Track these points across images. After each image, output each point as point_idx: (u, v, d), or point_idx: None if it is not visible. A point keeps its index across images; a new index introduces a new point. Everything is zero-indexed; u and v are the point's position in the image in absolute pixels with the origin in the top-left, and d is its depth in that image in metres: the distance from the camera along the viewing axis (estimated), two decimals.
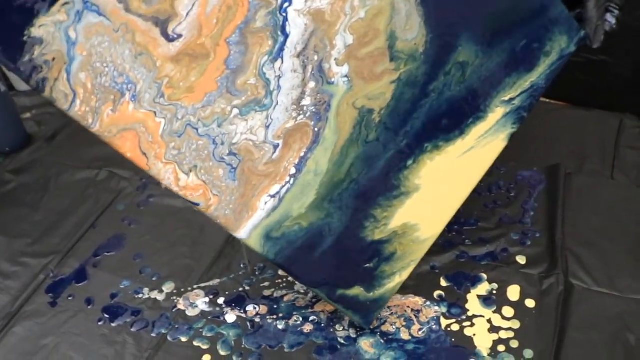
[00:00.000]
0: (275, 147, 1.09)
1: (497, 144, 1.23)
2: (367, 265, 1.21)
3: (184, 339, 1.30)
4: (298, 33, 1.06)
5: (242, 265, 1.43)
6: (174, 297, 1.38)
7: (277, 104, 1.07)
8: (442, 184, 1.21)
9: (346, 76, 1.10)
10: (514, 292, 1.33)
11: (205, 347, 1.28)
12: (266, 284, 1.39)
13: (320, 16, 1.07)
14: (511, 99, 1.20)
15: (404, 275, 1.25)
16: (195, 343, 1.29)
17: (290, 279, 1.39)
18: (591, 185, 1.56)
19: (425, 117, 1.16)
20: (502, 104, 1.20)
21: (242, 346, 1.28)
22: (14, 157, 1.78)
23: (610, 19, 1.24)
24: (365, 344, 1.27)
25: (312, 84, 1.09)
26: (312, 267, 1.17)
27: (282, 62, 1.06)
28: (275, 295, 1.36)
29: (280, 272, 1.41)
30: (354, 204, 1.16)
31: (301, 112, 1.09)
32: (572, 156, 1.63)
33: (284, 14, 1.05)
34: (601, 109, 1.77)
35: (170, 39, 1.01)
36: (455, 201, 1.25)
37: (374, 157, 1.15)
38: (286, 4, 1.05)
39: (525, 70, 1.19)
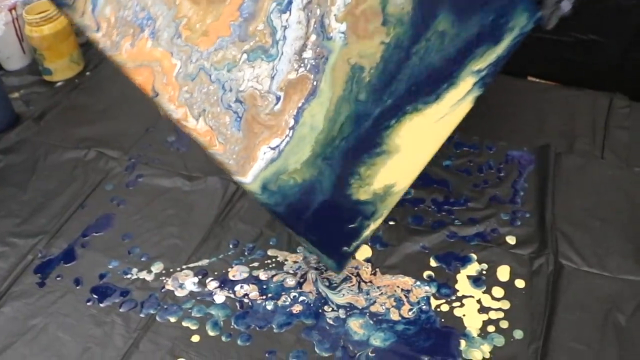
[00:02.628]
0: (278, 98, 1.14)
1: (465, 106, 1.26)
2: (352, 225, 1.25)
3: (172, 320, 1.29)
4: None
5: (230, 246, 1.42)
6: (163, 278, 1.37)
7: (282, 54, 1.12)
8: (418, 142, 1.25)
9: (343, 32, 1.14)
10: (503, 273, 1.33)
11: (194, 327, 1.28)
12: (255, 264, 1.38)
13: None
14: (479, 70, 1.24)
15: (378, 222, 1.28)
16: (184, 323, 1.29)
17: (279, 259, 1.39)
18: (581, 165, 1.56)
19: (407, 80, 1.20)
20: (472, 74, 1.24)
21: (231, 326, 1.28)
22: (1, 136, 1.77)
23: (565, 5, 1.27)
24: (355, 324, 1.26)
25: (313, 37, 1.13)
26: (304, 223, 1.22)
27: (290, 14, 1.12)
28: (263, 276, 1.36)
29: (270, 253, 1.40)
30: (342, 161, 1.20)
31: (302, 64, 1.14)
32: (562, 136, 1.63)
33: None
34: (591, 89, 1.76)
35: None
36: (425, 157, 1.28)
37: (362, 116, 1.19)
38: None
39: (493, 43, 1.23)
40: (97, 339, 1.26)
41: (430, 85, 1.22)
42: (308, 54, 1.13)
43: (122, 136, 1.73)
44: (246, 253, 1.41)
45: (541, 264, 1.34)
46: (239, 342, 1.25)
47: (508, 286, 1.31)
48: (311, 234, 1.24)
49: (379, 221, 1.28)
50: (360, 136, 1.20)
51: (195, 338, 1.26)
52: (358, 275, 1.35)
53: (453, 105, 1.25)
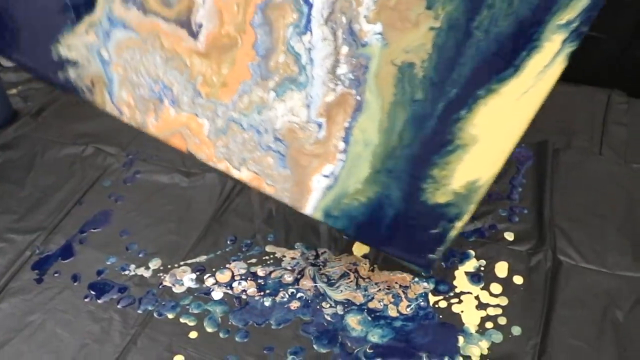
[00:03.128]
0: (320, 125, 1.07)
1: (556, 69, 1.04)
2: (434, 230, 1.14)
3: (170, 316, 1.29)
4: None
5: (228, 242, 1.42)
6: (161, 274, 1.37)
7: (313, 78, 1.04)
8: (499, 127, 1.08)
9: (379, 33, 1.02)
10: (501, 269, 1.33)
11: (191, 323, 1.28)
12: (253, 260, 1.38)
13: None
14: (569, 21, 1.01)
15: (464, 221, 1.14)
16: (181, 320, 1.29)
17: (277, 255, 1.39)
18: (579, 161, 1.56)
19: (473, 60, 1.02)
20: (559, 29, 1.01)
21: (229, 323, 1.28)
22: None
23: None
24: (352, 320, 1.26)
25: (345, 49, 1.03)
26: (379, 238, 1.15)
27: (311, 34, 1.03)
28: (261, 272, 1.36)
29: (267, 249, 1.40)
30: (409, 169, 1.09)
31: (339, 82, 1.05)
32: (560, 132, 1.63)
33: None
34: (589, 85, 1.76)
35: (195, 34, 1.02)
36: (511, 141, 1.10)
37: (423, 117, 1.06)
38: None
39: None
40: (94, 335, 1.26)
41: (503, 59, 1.03)
42: (343, 69, 1.04)
43: (120, 132, 1.73)
44: (244, 249, 1.41)
45: (539, 260, 1.34)
46: (237, 338, 1.25)
47: (506, 282, 1.31)
48: (389, 248, 1.19)
49: (465, 219, 1.14)
50: (425, 138, 1.07)
51: (193, 334, 1.26)
52: (356, 271, 1.35)
53: (539, 74, 1.03)
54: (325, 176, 1.09)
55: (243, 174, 1.08)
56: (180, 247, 1.41)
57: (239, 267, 1.37)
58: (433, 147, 1.08)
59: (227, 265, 1.37)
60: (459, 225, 1.14)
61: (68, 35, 1.04)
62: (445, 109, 1.05)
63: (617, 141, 1.61)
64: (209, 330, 1.26)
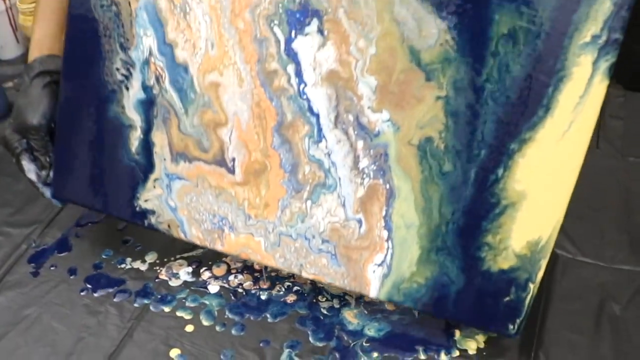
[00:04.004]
0: (359, 221, 1.12)
1: (597, 91, 0.97)
2: (507, 298, 1.11)
3: (166, 309, 1.29)
4: (325, 105, 1.08)
5: None
6: (157, 267, 1.37)
7: (340, 179, 1.10)
8: (547, 176, 1.03)
9: (388, 120, 1.05)
10: None
11: (188, 317, 1.27)
12: None
13: (336, 77, 1.06)
14: (595, 36, 0.93)
15: (538, 279, 1.10)
16: (178, 313, 1.28)
17: None
18: None
19: (493, 115, 1.00)
20: (585, 49, 0.94)
21: (225, 316, 1.27)
22: None
23: None
24: (349, 314, 1.26)
25: (360, 144, 1.08)
26: (451, 314, 1.16)
27: (326, 140, 1.10)
28: (257, 265, 1.36)
29: None
30: (460, 242, 1.09)
31: (364, 175, 1.10)
32: None
33: (305, 96, 1.09)
34: None
35: (232, 170, 1.16)
36: (567, 188, 1.05)
37: (458, 187, 1.05)
38: (302, 86, 1.08)
39: None
40: (91, 329, 1.26)
41: (529, 102, 0.98)
42: (364, 162, 1.09)
43: None
44: None
45: None
46: (233, 331, 1.24)
47: None
48: (462, 321, 1.21)
49: (537, 282, 1.10)
50: (467, 208, 1.06)
51: (190, 328, 1.25)
52: None
53: (577, 105, 0.97)
54: (379, 265, 1.13)
55: (305, 275, 1.19)
56: (177, 241, 1.40)
57: (235, 261, 1.37)
58: (479, 214, 1.07)
59: (223, 259, 1.37)
60: (532, 291, 1.10)
61: (142, 191, 1.23)
62: (478, 174, 1.04)
63: (613, 135, 1.61)
64: (205, 323, 1.26)
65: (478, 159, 1.03)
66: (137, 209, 1.24)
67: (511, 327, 1.13)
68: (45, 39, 1.32)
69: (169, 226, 1.24)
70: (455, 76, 1.00)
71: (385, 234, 1.12)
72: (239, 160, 1.15)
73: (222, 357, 1.21)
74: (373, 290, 1.16)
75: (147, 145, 1.20)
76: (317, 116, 1.09)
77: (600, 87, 0.96)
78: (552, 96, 0.97)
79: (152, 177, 1.21)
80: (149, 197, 1.23)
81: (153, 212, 1.24)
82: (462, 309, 1.14)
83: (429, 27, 0.99)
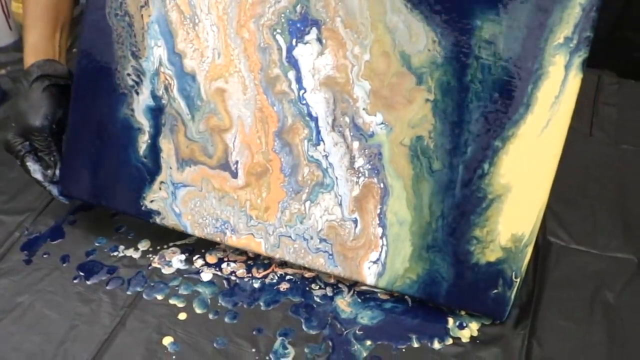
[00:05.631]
0: (355, 221, 1.18)
1: (572, 85, 1.06)
2: (495, 291, 1.18)
3: (159, 297, 1.29)
4: (322, 109, 1.15)
5: None
6: (150, 255, 1.37)
7: (337, 178, 1.16)
8: (529, 170, 1.11)
9: (382, 123, 1.13)
10: None
11: (181, 305, 1.27)
12: None
13: (333, 82, 1.13)
14: (567, 38, 1.03)
15: (523, 270, 1.18)
16: (171, 301, 1.28)
17: None
18: (569, 142, 1.53)
19: (478, 115, 1.08)
20: (558, 49, 1.04)
21: (218, 304, 1.27)
22: None
23: None
24: (342, 302, 1.26)
25: (356, 144, 1.15)
26: (442, 304, 1.23)
27: (324, 143, 1.16)
28: (250, 253, 1.36)
29: None
30: (450, 239, 1.16)
31: (360, 174, 1.16)
32: None
33: (304, 101, 1.15)
34: None
35: (235, 174, 1.20)
36: (545, 181, 1.12)
37: (447, 184, 1.13)
38: (302, 91, 1.15)
39: None
40: (83, 317, 1.26)
41: (510, 101, 1.07)
42: (359, 162, 1.15)
43: None
44: None
45: None
46: (226, 319, 1.24)
47: None
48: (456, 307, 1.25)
49: (522, 274, 1.18)
50: (456, 204, 1.14)
51: (182, 316, 1.25)
52: None
53: (555, 100, 1.06)
54: (374, 262, 1.18)
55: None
56: (170, 228, 1.41)
57: (228, 249, 1.36)
58: (467, 209, 1.14)
59: (217, 246, 1.37)
60: (519, 281, 1.18)
61: (149, 192, 1.26)
62: (466, 170, 1.12)
63: (607, 122, 1.62)
64: (198, 311, 1.26)
65: (465, 155, 1.11)
66: (143, 208, 1.27)
67: (499, 315, 1.22)
68: (39, 43, 1.35)
69: (172, 229, 1.29)
70: (442, 78, 1.08)
71: (379, 231, 1.16)
72: (242, 163, 1.19)
73: (215, 345, 1.21)
74: (370, 283, 1.21)
75: (154, 149, 1.24)
76: (316, 120, 1.15)
77: (575, 81, 1.06)
78: (531, 94, 1.06)
79: (159, 179, 1.25)
80: (155, 198, 1.26)
81: (158, 213, 1.27)
82: (453, 302, 1.21)
83: (418, 33, 1.08)
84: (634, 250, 1.33)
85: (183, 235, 1.37)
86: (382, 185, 1.15)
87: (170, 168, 1.24)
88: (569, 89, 1.06)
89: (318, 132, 1.15)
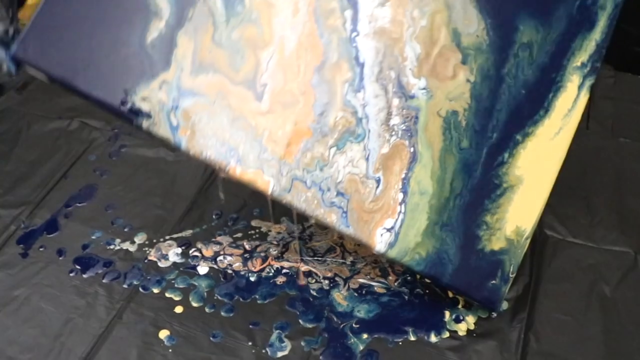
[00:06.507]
0: (378, 180, 1.13)
1: (581, 102, 1.22)
2: (493, 282, 1.20)
3: (156, 290, 1.29)
4: (371, 57, 1.11)
5: (214, 216, 1.42)
6: (146, 248, 1.37)
7: (369, 131, 1.11)
8: (539, 168, 1.21)
9: (424, 88, 1.13)
10: None
11: (177, 298, 1.27)
12: (239, 234, 1.38)
13: (387, 34, 1.11)
14: (583, 63, 1.20)
15: (516, 267, 1.22)
16: (167, 294, 1.28)
17: (263, 229, 1.39)
18: None
19: (507, 106, 1.17)
20: (576, 70, 1.20)
21: (215, 297, 1.27)
22: None
23: None
24: (338, 296, 1.26)
25: (395, 101, 1.12)
26: (444, 285, 1.23)
27: (364, 91, 1.11)
28: (247, 246, 1.36)
29: (253, 223, 1.40)
30: (463, 219, 1.18)
31: (393, 133, 1.13)
32: None
33: (355, 45, 1.10)
34: None
35: (260, 97, 1.08)
36: (549, 182, 1.23)
37: (471, 164, 1.17)
38: (354, 34, 1.10)
39: (587, 30, 1.20)
40: (80, 310, 1.26)
41: (534, 102, 1.19)
42: (395, 120, 1.13)
43: None
44: (230, 224, 1.40)
45: None
46: (222, 313, 1.24)
47: None
48: (455, 291, 1.26)
49: (516, 270, 1.22)
50: (475, 186, 1.17)
51: (179, 309, 1.25)
52: (342, 245, 1.35)
53: (568, 111, 1.21)
54: (387, 230, 1.14)
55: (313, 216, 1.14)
56: (166, 222, 1.40)
57: (225, 242, 1.36)
58: (484, 192, 1.18)
59: (213, 239, 1.37)
60: (511, 279, 1.22)
61: (144, 88, 1.06)
62: (489, 155, 1.18)
63: (604, 115, 1.62)
64: (195, 304, 1.26)
65: (490, 141, 1.17)
66: (130, 104, 1.06)
67: (493, 306, 1.23)
68: None
69: (161, 141, 1.09)
70: (484, 65, 1.15)
71: (400, 196, 1.14)
72: (271, 87, 1.08)
73: (211, 338, 1.21)
74: (376, 252, 1.16)
75: (168, 42, 1.07)
76: (362, 66, 1.11)
77: (583, 100, 1.21)
78: (551, 100, 1.19)
79: (163, 77, 1.06)
80: (150, 97, 1.06)
81: (148, 117, 1.07)
82: (455, 285, 1.20)
83: (472, 17, 1.14)
84: (630, 243, 1.33)
85: (179, 228, 1.37)
86: (412, 149, 1.13)
87: (182, 70, 1.07)
88: (579, 105, 1.20)
89: (361, 79, 1.11)
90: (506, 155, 1.18)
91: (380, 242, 1.14)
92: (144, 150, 1.59)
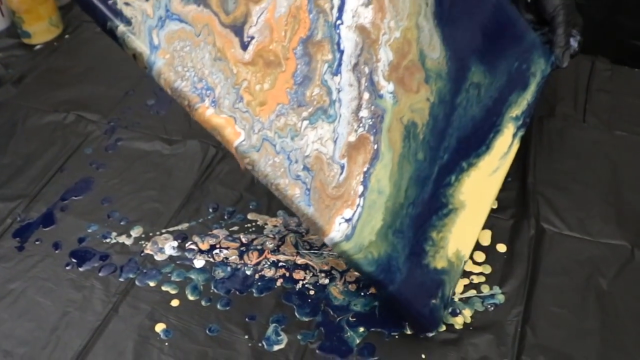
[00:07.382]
0: (342, 167, 1.11)
1: (513, 150, 1.35)
2: (433, 301, 1.17)
3: (152, 284, 1.29)
4: (350, 47, 1.13)
5: (210, 210, 1.42)
6: (142, 242, 1.37)
7: (340, 116, 1.11)
8: (479, 198, 1.28)
9: (392, 92, 1.16)
10: (485, 237, 1.33)
11: (173, 291, 1.27)
12: (235, 227, 1.38)
13: (366, 32, 1.14)
14: (517, 116, 1.34)
15: (450, 293, 1.22)
16: (163, 288, 1.28)
17: (259, 223, 1.39)
18: (563, 128, 1.55)
19: (457, 133, 1.24)
20: (512, 120, 1.34)
21: (211, 291, 1.27)
22: None
23: (574, 43, 1.39)
24: (335, 289, 1.26)
25: (366, 95, 1.14)
26: (387, 297, 1.18)
27: (341, 77, 1.12)
28: (243, 239, 1.36)
29: (250, 217, 1.40)
30: (414, 229, 1.17)
31: (361, 124, 1.13)
32: (544, 99, 1.62)
33: (338, 31, 1.12)
34: None
35: (245, 46, 1.04)
36: (484, 214, 1.31)
37: (424, 178, 1.19)
38: (339, 22, 1.12)
39: (522, 90, 1.35)
40: (76, 303, 1.26)
41: (478, 137, 1.28)
42: (364, 112, 1.13)
43: (102, 99, 1.72)
44: (226, 217, 1.40)
45: (522, 228, 1.33)
46: (218, 306, 1.24)
47: (489, 250, 1.31)
48: (392, 308, 1.23)
49: (450, 296, 1.22)
50: (426, 200, 1.19)
51: (175, 302, 1.25)
52: None
53: (504, 155, 1.32)
54: (346, 220, 1.10)
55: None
56: (162, 215, 1.40)
57: (221, 235, 1.36)
58: (432, 208, 1.21)
59: (209, 233, 1.37)
60: (448, 304, 1.22)
61: None
62: (439, 173, 1.22)
63: (601, 108, 1.61)
64: (191, 298, 1.26)
65: (442, 160, 1.22)
66: (111, 1, 0.97)
67: (432, 327, 1.20)
68: None
69: (133, 56, 1.01)
70: (442, 90, 1.22)
71: (360, 189, 1.12)
72: (257, 41, 1.05)
73: (207, 331, 1.21)
74: (329, 240, 1.10)
75: None
76: (342, 52, 1.12)
77: (515, 147, 1.35)
78: (491, 140, 1.31)
79: None
80: (135, 3, 0.98)
81: (129, 23, 0.98)
82: (400, 295, 1.15)
83: (436, 44, 1.22)
84: (627, 237, 1.33)
85: (176, 221, 1.37)
86: (375, 146, 1.14)
87: None
88: (512, 151, 1.35)
89: (339, 64, 1.12)
90: (453, 178, 1.24)
91: (337, 230, 1.09)
92: (140, 144, 1.59)
